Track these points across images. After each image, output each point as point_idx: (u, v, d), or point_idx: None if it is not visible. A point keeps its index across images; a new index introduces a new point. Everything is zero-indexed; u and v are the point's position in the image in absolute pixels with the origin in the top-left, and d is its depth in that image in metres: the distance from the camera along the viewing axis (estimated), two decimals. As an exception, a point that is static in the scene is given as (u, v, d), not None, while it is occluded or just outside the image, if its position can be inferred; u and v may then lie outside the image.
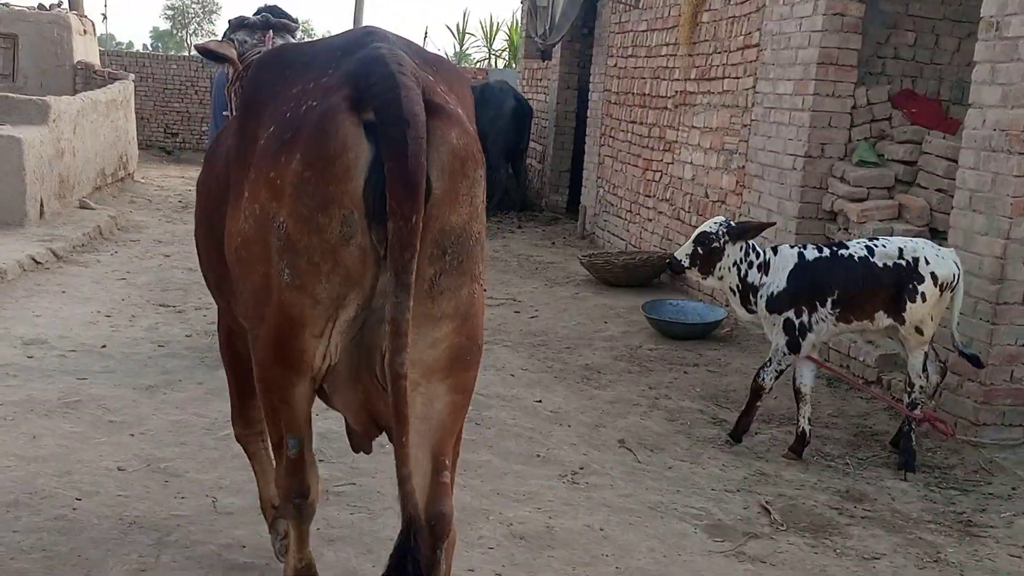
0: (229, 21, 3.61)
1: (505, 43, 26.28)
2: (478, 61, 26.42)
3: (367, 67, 2.24)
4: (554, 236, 11.27)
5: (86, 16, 14.95)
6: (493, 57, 26.04)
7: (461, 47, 26.67)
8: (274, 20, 3.63)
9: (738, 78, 7.48)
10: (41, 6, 14.07)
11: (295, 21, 3.74)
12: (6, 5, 13.71)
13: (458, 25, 26.97)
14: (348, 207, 2.17)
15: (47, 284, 7.06)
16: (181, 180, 14.22)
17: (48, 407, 4.54)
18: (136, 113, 13.30)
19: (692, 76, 8.36)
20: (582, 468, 4.37)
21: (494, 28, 26.00)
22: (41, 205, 8.81)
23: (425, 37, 18.67)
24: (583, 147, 11.93)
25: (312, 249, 2.20)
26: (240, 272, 2.47)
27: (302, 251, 2.21)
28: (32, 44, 13.45)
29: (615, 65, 10.47)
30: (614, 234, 10.26)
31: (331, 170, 2.17)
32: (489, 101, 12.95)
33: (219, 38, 3.68)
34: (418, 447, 2.31)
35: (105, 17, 16.30)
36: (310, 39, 4.53)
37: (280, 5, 3.83)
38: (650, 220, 9.25)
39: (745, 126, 7.29)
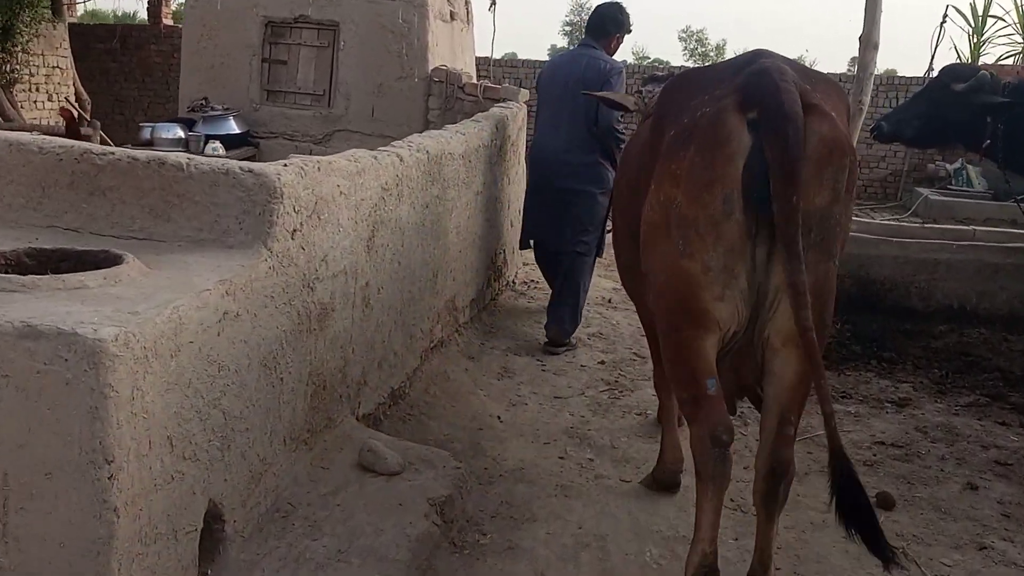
0: (644, 78, 4.93)
1: (1054, 29, 17.23)
2: (1002, 57, 17.62)
3: (754, 77, 2.66)
4: None
5: (457, -6, 8.93)
6: (1034, 49, 17.09)
7: (979, 37, 18.02)
8: (676, 72, 4.41)
9: None
10: (379, -29, 8.15)
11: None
12: (320, -29, 7.97)
13: (972, 5, 18.37)
14: (729, 186, 2.57)
15: None
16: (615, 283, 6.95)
17: None
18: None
19: None
20: None
21: (1040, 7, 17.03)
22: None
23: (943, 20, 11.67)
24: None
25: (699, 222, 2.61)
26: (649, 251, 2.87)
27: (691, 224, 2.62)
28: (360, 40, 7.73)
29: None
30: None
31: (717, 155, 2.59)
32: None
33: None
34: (772, 400, 2.73)
35: (494, 3, 10.65)
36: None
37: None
38: None
39: None
